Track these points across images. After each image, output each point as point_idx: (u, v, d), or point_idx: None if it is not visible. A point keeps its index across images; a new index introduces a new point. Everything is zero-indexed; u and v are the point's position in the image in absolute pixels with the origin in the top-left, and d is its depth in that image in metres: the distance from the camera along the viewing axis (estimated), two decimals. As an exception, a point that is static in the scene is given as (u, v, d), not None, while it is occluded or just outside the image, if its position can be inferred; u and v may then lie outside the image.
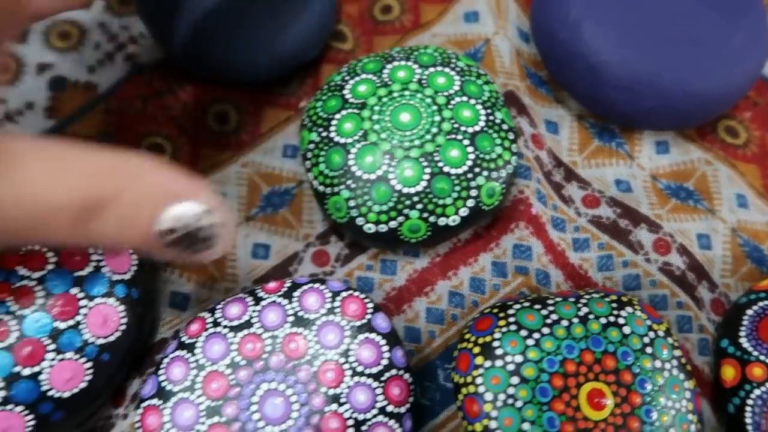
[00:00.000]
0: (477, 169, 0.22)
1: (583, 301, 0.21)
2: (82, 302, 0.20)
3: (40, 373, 0.18)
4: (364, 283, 0.24)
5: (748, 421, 0.21)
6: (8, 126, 0.26)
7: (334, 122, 0.23)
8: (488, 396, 0.19)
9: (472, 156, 0.22)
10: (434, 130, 0.22)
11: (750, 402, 0.21)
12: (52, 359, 0.19)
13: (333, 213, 0.23)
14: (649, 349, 0.20)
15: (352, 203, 0.22)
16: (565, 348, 0.20)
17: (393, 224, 0.22)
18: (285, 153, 0.26)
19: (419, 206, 0.22)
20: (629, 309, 0.21)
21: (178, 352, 0.21)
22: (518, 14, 0.29)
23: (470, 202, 0.22)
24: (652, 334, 0.20)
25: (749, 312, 0.22)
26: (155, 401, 0.20)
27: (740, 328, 0.22)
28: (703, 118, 0.25)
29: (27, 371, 0.18)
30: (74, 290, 0.19)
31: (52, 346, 0.18)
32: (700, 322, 0.24)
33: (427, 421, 0.22)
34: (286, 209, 0.25)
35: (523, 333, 0.20)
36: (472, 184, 0.22)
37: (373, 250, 0.25)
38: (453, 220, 0.22)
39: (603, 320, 0.20)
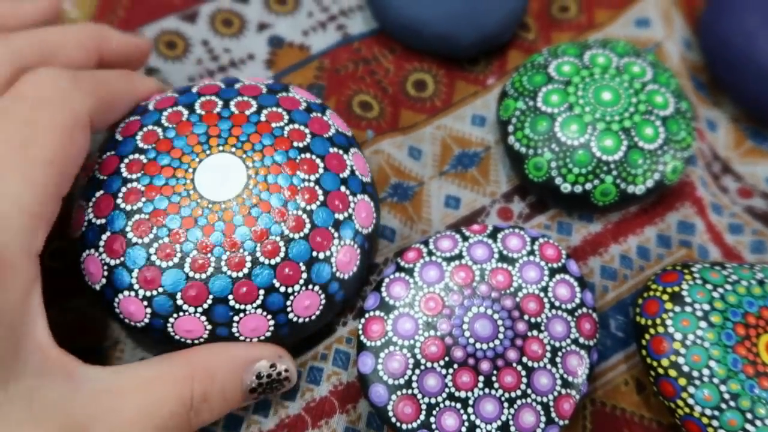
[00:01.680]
0: (666, 147, 0.26)
1: (757, 268, 0.24)
2: (351, 198, 0.22)
3: (331, 256, 0.22)
4: (542, 239, 0.27)
5: None
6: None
7: (540, 94, 0.26)
8: (678, 336, 0.22)
9: (662, 135, 0.26)
10: (632, 109, 0.26)
11: None
12: (338, 245, 0.22)
13: (531, 172, 0.26)
14: (819, 314, 0.23)
15: (553, 164, 0.25)
16: (746, 303, 0.23)
17: (588, 186, 0.25)
18: (474, 121, 0.30)
19: (614, 172, 0.25)
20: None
21: (397, 274, 0.24)
22: (682, 24, 0.32)
23: (656, 176, 0.25)
24: (821, 302, 0.23)
25: None
26: (378, 312, 0.23)
27: None
28: None
29: (321, 255, 0.21)
30: (342, 188, 0.22)
31: (336, 234, 0.22)
32: None
33: (599, 363, 0.25)
34: (475, 169, 0.29)
35: (709, 287, 0.23)
36: (661, 159, 0.25)
37: (552, 212, 0.28)
38: (639, 189, 0.25)
39: (779, 284, 0.23)
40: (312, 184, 0.22)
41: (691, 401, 0.22)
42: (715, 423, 0.22)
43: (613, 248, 0.27)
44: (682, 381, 0.22)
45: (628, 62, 0.27)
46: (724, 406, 0.22)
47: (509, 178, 0.29)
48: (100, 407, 0.18)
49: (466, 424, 0.22)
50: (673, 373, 0.22)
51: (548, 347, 0.23)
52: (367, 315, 0.23)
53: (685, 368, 0.22)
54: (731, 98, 0.30)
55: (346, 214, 0.22)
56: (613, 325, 0.26)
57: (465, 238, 0.25)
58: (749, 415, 0.21)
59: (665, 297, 0.23)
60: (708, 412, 0.22)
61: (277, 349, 0.22)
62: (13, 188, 0.18)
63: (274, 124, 0.23)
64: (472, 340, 0.23)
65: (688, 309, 0.23)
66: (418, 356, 0.22)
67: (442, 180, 0.28)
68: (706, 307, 0.23)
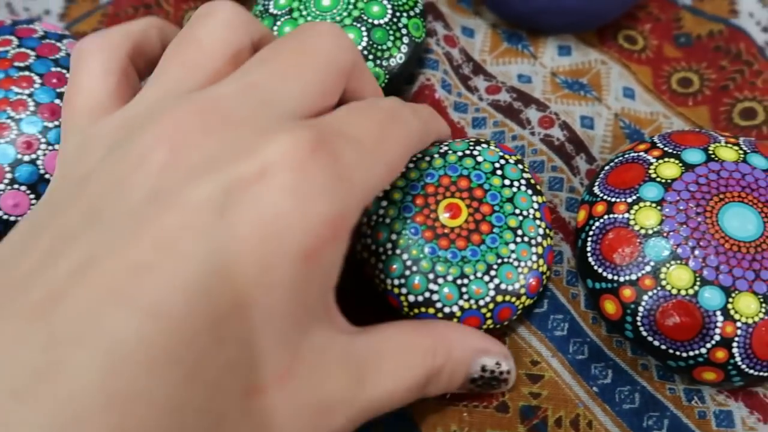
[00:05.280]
0: (366, 53, 0.27)
1: (446, 143, 0.25)
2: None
3: (37, 159, 0.24)
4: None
5: (588, 249, 0.24)
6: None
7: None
8: (365, 219, 0.24)
9: (365, 42, 0.27)
10: (344, 14, 0.27)
11: (591, 233, 0.24)
12: (45, 149, 0.24)
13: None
14: (499, 172, 0.24)
15: (276, 72, 0.27)
16: (427, 176, 0.24)
17: (308, 89, 0.27)
18: (242, 49, 0.32)
19: (328, 73, 0.27)
20: (485, 146, 0.25)
21: None
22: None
23: (366, 76, 0.27)
24: (502, 161, 0.24)
25: (606, 168, 0.26)
26: None
27: (596, 180, 0.26)
28: (594, 19, 0.29)
29: (27, 158, 0.24)
30: (57, 101, 0.25)
31: (44, 140, 0.24)
32: (572, 184, 0.27)
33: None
34: (238, 92, 0.31)
35: (396, 165, 0.25)
36: (366, 62, 0.27)
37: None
38: (356, 89, 0.27)
39: (459, 153, 0.25)
40: (25, 97, 0.24)
41: (382, 276, 0.23)
42: (404, 290, 0.23)
43: (354, 149, 0.29)
44: (373, 260, 0.23)
45: (356, -23, 0.29)
46: (408, 272, 0.23)
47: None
48: (369, 365, 0.18)
49: None
50: (365, 254, 0.24)
51: None
52: None
53: (373, 247, 0.23)
54: (488, 7, 0.31)
55: (57, 122, 0.25)
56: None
57: None
58: (431, 276, 0.23)
59: (358, 179, 0.25)
60: (396, 282, 0.23)
61: (504, 348, 0.22)
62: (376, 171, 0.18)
63: (1, 48, 0.25)
64: None
65: (373, 185, 0.24)
66: None
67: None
68: (387, 187, 0.24)
